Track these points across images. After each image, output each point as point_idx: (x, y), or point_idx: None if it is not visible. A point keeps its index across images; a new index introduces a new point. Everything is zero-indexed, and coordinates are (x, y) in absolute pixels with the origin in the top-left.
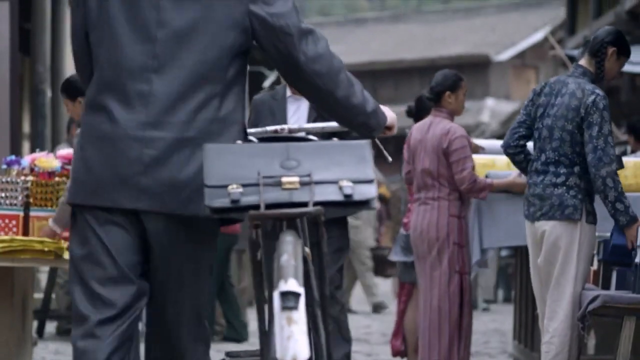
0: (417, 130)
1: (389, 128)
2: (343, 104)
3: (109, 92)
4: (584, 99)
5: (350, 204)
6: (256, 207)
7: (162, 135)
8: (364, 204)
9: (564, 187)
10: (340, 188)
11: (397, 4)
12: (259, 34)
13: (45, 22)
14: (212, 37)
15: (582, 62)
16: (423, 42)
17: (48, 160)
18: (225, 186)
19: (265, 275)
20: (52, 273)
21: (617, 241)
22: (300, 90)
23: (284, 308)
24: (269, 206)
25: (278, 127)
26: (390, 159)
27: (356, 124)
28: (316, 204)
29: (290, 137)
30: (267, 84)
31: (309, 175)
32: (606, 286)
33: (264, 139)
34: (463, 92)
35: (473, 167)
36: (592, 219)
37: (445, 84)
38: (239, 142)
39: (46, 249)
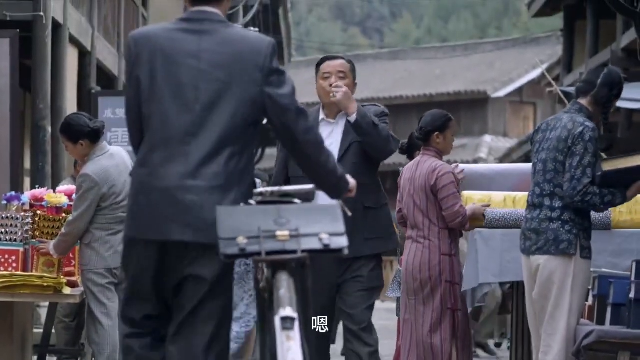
0: (407, 169)
1: (350, 191)
2: (324, 168)
3: (159, 152)
4: (573, 130)
5: (328, 252)
6: (258, 253)
7: (198, 183)
8: (339, 251)
9: (560, 222)
10: (320, 239)
11: (395, 41)
12: (269, 109)
13: (46, 59)
14: (234, 110)
15: (582, 101)
16: (421, 79)
17: (57, 197)
18: (235, 238)
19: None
20: (52, 308)
21: (616, 300)
22: (294, 155)
23: (284, 328)
24: (268, 253)
25: (262, 189)
26: (349, 213)
27: (329, 184)
28: (302, 251)
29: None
30: None
31: (296, 230)
32: (601, 321)
33: (259, 202)
34: (451, 132)
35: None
36: (587, 253)
37: (434, 124)
38: (252, 190)
39: (45, 284)
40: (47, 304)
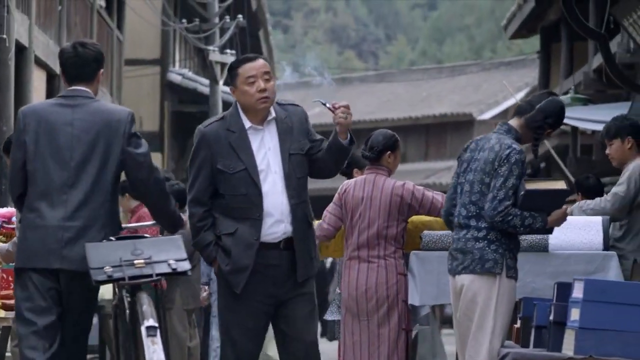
0: (355, 187)
1: (183, 226)
2: (167, 212)
3: (42, 200)
4: (500, 152)
5: (176, 274)
6: (122, 279)
7: (74, 224)
8: (184, 273)
9: (486, 241)
10: (169, 265)
11: (390, 64)
12: (127, 165)
13: (8, 81)
14: (102, 166)
15: (514, 122)
16: (407, 102)
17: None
18: (102, 267)
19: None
20: (5, 330)
21: (539, 322)
22: (144, 202)
23: (149, 335)
24: (129, 278)
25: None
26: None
27: (169, 223)
28: (156, 275)
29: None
30: None
31: (150, 258)
32: (526, 344)
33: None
34: (399, 152)
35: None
36: (512, 273)
37: (386, 144)
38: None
39: None
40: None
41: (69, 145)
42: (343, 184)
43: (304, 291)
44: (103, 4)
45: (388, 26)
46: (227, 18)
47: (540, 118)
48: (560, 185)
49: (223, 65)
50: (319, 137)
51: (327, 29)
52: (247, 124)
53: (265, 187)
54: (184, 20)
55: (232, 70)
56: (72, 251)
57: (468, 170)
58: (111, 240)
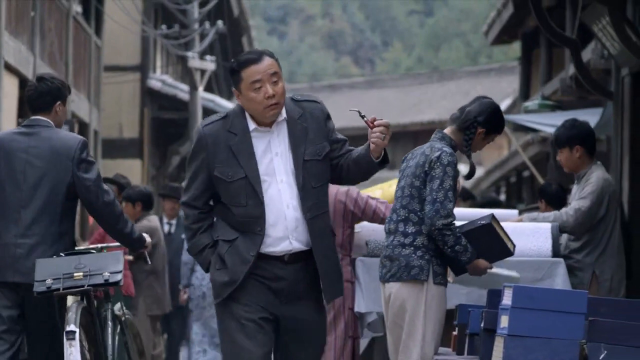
0: None
1: (146, 247)
2: (121, 233)
3: (1, 219)
4: (430, 155)
5: (108, 284)
6: (58, 289)
7: (27, 241)
8: (116, 283)
9: (412, 248)
10: (103, 276)
11: (386, 70)
12: (78, 188)
13: None
14: (52, 189)
15: (447, 130)
16: (396, 108)
17: None
18: (44, 280)
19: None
20: None
21: (472, 329)
22: (98, 222)
23: (68, 339)
24: (65, 289)
25: (85, 247)
26: (150, 262)
27: (126, 244)
28: (89, 285)
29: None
30: None
31: (89, 271)
32: (461, 351)
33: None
34: None
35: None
36: (441, 279)
37: None
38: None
39: None
40: None
41: (22, 170)
42: None
43: (310, 303)
44: (79, 9)
45: (385, 32)
46: (207, 24)
47: (470, 117)
48: (510, 245)
49: (203, 71)
50: (341, 137)
51: (324, 35)
52: (252, 125)
53: (268, 199)
54: (163, 26)
55: (234, 74)
56: (25, 266)
57: (402, 178)
58: (61, 256)
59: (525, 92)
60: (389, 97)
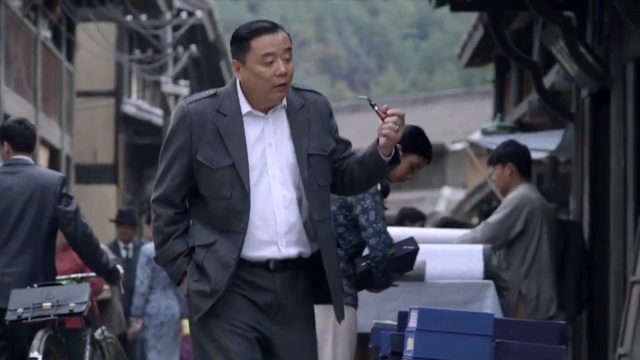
0: None
1: (120, 278)
2: (98, 263)
3: None
4: None
5: (73, 315)
6: (27, 318)
7: (12, 270)
8: (81, 313)
9: None
10: (69, 306)
11: (381, 94)
12: (59, 220)
13: None
14: (36, 223)
15: None
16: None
17: None
18: (16, 309)
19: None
20: None
21: (384, 352)
22: (77, 253)
23: None
24: (33, 317)
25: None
26: (123, 291)
27: (103, 274)
28: (55, 315)
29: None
30: None
31: (57, 302)
32: None
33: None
34: None
35: None
36: (350, 300)
37: None
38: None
39: None
40: None
41: (8, 205)
42: None
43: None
44: (49, 35)
45: (380, 56)
46: (180, 49)
47: None
48: (410, 244)
49: (177, 96)
50: (344, 138)
51: (319, 59)
52: (245, 107)
53: (255, 194)
54: (136, 51)
55: (241, 42)
56: (9, 293)
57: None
58: (34, 287)
59: (499, 114)
60: (373, 121)
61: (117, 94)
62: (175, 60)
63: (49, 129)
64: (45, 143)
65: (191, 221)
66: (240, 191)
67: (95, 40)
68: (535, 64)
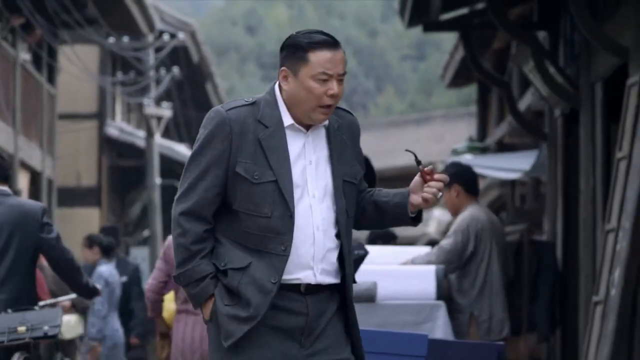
0: None
1: (99, 293)
2: (78, 284)
3: None
4: None
5: (48, 337)
6: (2, 342)
7: (2, 297)
8: (55, 336)
9: None
10: (43, 330)
11: (379, 115)
12: (42, 247)
13: None
14: (20, 251)
15: None
16: (371, 153)
17: None
18: None
19: None
20: None
21: None
22: (59, 275)
23: None
24: (9, 341)
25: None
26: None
27: (83, 294)
28: (30, 338)
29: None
30: None
31: (32, 326)
32: None
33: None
34: None
35: None
36: None
37: None
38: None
39: None
40: None
41: None
42: (168, 239)
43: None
44: (28, 57)
45: (378, 78)
46: (163, 71)
47: None
48: (361, 249)
49: (160, 118)
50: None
51: None
52: (288, 119)
53: (297, 213)
54: (118, 73)
55: (298, 51)
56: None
57: None
58: (8, 312)
59: (482, 134)
60: (366, 142)
61: (100, 116)
62: (158, 82)
63: (29, 152)
64: (26, 166)
65: (218, 239)
66: (282, 210)
67: (76, 64)
68: (508, 84)
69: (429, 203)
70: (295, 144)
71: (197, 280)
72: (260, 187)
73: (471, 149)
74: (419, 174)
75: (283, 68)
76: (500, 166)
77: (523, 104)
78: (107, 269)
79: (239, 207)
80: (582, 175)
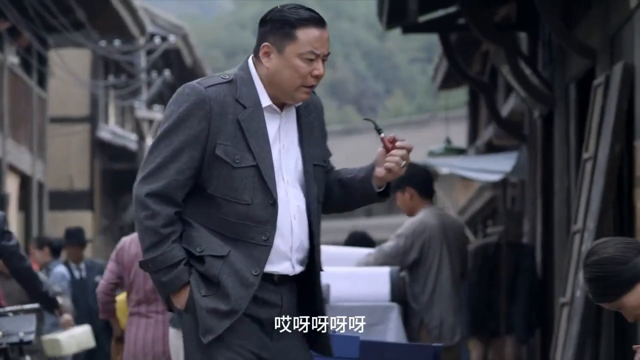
0: (133, 244)
1: (61, 309)
2: (38, 293)
3: None
4: None
5: (23, 343)
6: None
7: None
8: (30, 342)
9: None
10: (19, 335)
11: (388, 116)
12: (4, 254)
13: None
14: None
15: None
16: (373, 156)
17: None
18: None
19: None
20: None
21: None
22: (20, 283)
23: None
24: None
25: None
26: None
27: (44, 304)
28: (7, 344)
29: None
30: None
31: (7, 331)
32: None
33: None
34: None
35: None
36: None
37: None
38: None
39: None
40: None
41: None
42: (120, 241)
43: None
44: (16, 61)
45: (387, 80)
46: (154, 73)
47: None
48: None
49: (151, 121)
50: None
51: (326, 83)
52: (265, 100)
53: (278, 202)
54: (110, 76)
55: (285, 26)
56: None
57: None
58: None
59: (473, 136)
60: (366, 144)
61: (92, 119)
62: (149, 85)
63: (18, 156)
64: (15, 170)
65: (189, 223)
66: (262, 197)
67: (67, 68)
68: (488, 86)
69: (393, 173)
70: (272, 126)
71: (170, 266)
72: (240, 172)
73: (448, 151)
74: (382, 145)
75: (266, 44)
76: (482, 168)
77: (508, 106)
78: (63, 269)
79: (215, 191)
80: (556, 176)
